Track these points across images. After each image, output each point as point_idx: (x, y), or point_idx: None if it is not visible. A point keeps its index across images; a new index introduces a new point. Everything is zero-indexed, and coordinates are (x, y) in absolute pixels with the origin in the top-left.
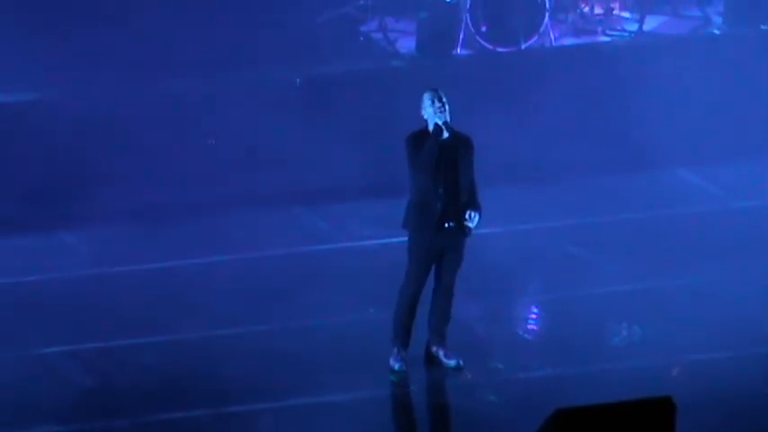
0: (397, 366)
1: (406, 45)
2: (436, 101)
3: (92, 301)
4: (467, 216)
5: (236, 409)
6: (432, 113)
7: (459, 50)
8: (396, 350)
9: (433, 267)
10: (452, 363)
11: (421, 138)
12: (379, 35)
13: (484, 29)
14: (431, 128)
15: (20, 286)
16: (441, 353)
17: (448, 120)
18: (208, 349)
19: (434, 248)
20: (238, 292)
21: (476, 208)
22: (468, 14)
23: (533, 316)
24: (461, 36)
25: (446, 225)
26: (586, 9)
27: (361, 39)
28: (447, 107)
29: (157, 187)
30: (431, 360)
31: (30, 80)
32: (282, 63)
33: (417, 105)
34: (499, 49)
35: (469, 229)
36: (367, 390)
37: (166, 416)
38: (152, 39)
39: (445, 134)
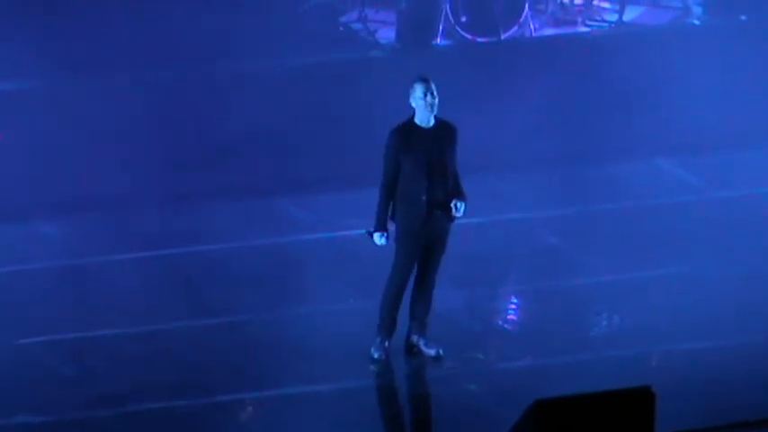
0: (377, 356)
1: (386, 35)
2: (429, 96)
3: (71, 291)
4: (453, 206)
5: (217, 399)
6: (423, 106)
7: (439, 41)
8: (378, 340)
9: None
10: (432, 352)
11: (405, 131)
12: (358, 25)
13: (464, 19)
14: (417, 118)
15: None
16: (421, 342)
17: (433, 122)
18: (189, 339)
19: (422, 237)
20: (220, 281)
21: (462, 197)
22: (447, 5)
23: (514, 306)
24: (441, 26)
25: (433, 212)
26: None
27: (341, 29)
28: (437, 101)
29: (138, 176)
30: (411, 349)
31: (13, 69)
32: (262, 53)
33: (398, 95)
34: (479, 40)
35: (455, 217)
36: (347, 379)
37: (148, 406)
38: (131, 28)
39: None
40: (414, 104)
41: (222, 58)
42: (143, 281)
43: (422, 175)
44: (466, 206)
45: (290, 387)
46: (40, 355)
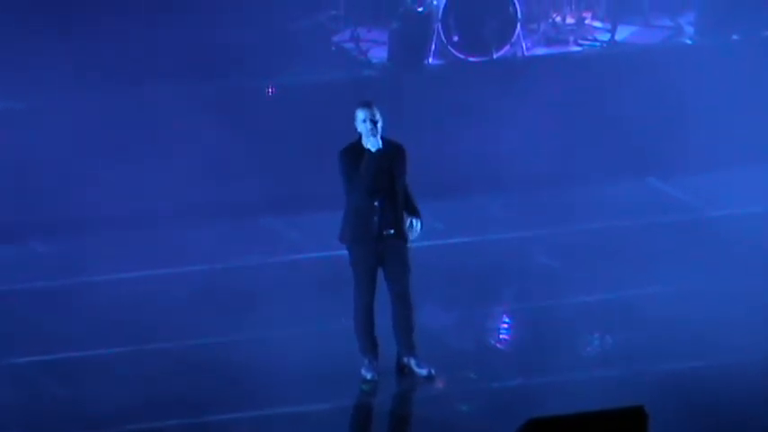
0: (369, 376)
1: (379, 55)
2: (368, 121)
3: (64, 311)
4: (409, 224)
5: (209, 419)
6: (365, 132)
7: (431, 60)
8: (366, 361)
9: (384, 279)
10: (424, 372)
11: (354, 152)
12: (351, 45)
13: (456, 38)
14: (364, 141)
15: None
16: (412, 362)
17: (380, 145)
18: (180, 359)
19: (374, 258)
20: (211, 301)
21: (417, 215)
22: (440, 24)
23: (505, 325)
24: (433, 46)
25: (384, 233)
26: (558, 19)
27: (333, 48)
28: (380, 124)
29: (130, 196)
30: (402, 370)
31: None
32: (254, 72)
33: (390, 115)
34: (471, 59)
35: (408, 237)
36: (339, 400)
37: (139, 426)
38: (120, 46)
39: (376, 152)
40: (358, 129)
41: (214, 76)
42: (136, 301)
43: (372, 196)
44: (422, 224)
45: (281, 407)
46: (34, 376)
